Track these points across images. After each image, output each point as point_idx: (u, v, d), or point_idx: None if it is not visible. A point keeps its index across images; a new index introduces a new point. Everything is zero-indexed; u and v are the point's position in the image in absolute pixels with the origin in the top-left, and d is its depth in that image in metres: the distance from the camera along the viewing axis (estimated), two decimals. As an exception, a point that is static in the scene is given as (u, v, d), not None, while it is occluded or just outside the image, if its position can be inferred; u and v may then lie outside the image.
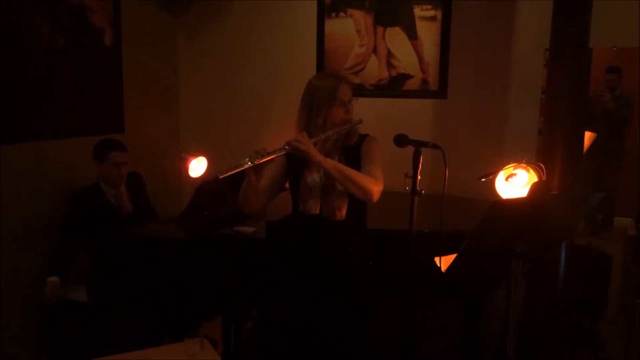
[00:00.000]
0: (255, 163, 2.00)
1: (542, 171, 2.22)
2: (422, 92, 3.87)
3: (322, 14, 4.04)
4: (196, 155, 4.16)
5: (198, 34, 4.39)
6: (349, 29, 3.98)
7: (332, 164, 2.06)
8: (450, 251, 2.06)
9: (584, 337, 3.16)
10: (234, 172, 1.98)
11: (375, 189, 2.06)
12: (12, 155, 3.04)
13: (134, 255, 2.74)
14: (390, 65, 3.92)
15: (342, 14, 3.99)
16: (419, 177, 1.96)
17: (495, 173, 2.45)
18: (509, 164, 3.61)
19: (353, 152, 2.19)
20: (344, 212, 2.17)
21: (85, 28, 3.55)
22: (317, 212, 2.18)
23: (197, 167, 4.14)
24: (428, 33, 3.81)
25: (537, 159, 2.69)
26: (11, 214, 3.04)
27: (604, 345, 3.14)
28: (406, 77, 3.89)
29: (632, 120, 4.21)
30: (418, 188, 1.96)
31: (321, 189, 2.18)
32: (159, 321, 2.78)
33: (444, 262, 1.89)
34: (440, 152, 1.86)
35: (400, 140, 1.99)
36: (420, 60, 3.86)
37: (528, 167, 2.38)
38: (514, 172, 2.37)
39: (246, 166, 1.99)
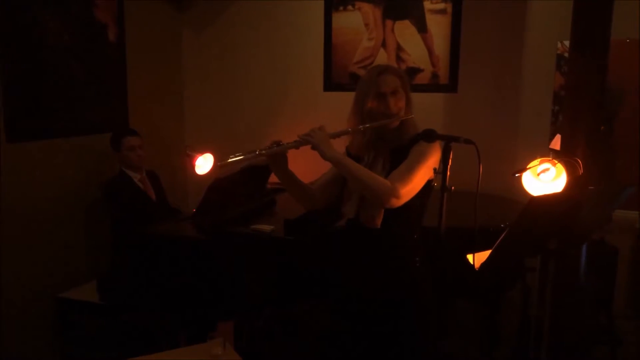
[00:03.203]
0: (259, 153, 1.88)
1: (579, 166, 2.18)
2: (433, 86, 3.84)
3: (330, 8, 3.98)
4: (202, 152, 4.10)
5: (204, 29, 4.32)
6: (358, 23, 3.93)
7: (343, 162, 1.89)
8: (477, 248, 2.02)
9: (602, 333, 3.14)
10: (233, 159, 1.87)
11: (392, 193, 1.83)
12: (18, 154, 2.97)
13: (153, 254, 2.68)
14: (399, 59, 3.88)
15: (350, 7, 3.94)
16: (449, 173, 1.89)
17: (524, 169, 2.41)
18: (520, 158, 3.59)
19: (402, 154, 1.94)
20: (379, 220, 1.95)
21: (90, 23, 3.48)
22: (352, 216, 2.01)
23: (204, 164, 4.08)
24: (438, 26, 3.77)
25: (555, 153, 2.65)
26: (17, 214, 2.97)
27: (622, 341, 3.12)
28: (416, 70, 3.85)
29: (621, 113, 4.18)
30: (448, 184, 1.90)
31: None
32: (175, 322, 2.72)
33: (477, 259, 1.84)
34: (474, 147, 1.80)
35: (429, 135, 1.90)
36: (430, 53, 3.81)
37: (559, 162, 2.34)
38: (546, 166, 2.33)
39: (245, 156, 1.87)
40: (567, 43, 3.49)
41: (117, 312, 3.07)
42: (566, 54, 3.53)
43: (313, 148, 1.89)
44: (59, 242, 3.26)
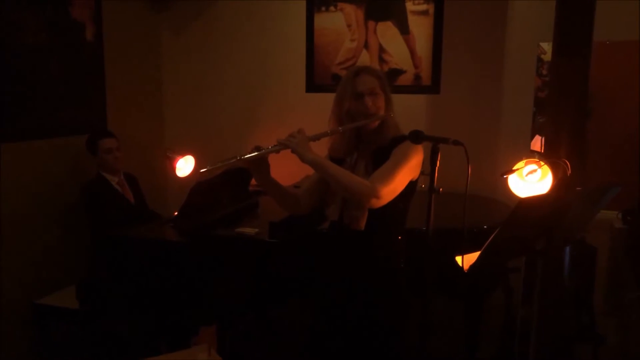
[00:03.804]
0: (240, 159, 1.86)
1: (568, 167, 2.19)
2: (415, 87, 3.84)
3: (312, 8, 3.96)
4: (183, 154, 4.03)
5: (183, 29, 4.26)
6: (340, 24, 3.91)
7: (322, 164, 1.88)
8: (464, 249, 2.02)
9: (584, 331, 3.16)
10: (213, 167, 1.86)
11: (372, 193, 1.82)
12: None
13: (133, 258, 2.63)
14: (382, 60, 3.87)
15: (332, 8, 3.92)
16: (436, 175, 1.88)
17: (512, 170, 2.41)
18: (503, 158, 3.61)
19: (385, 154, 1.93)
20: (363, 222, 1.94)
21: (66, 22, 3.40)
22: (336, 218, 2.01)
23: (185, 166, 4.02)
24: (420, 27, 3.77)
25: (541, 155, 2.67)
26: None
27: (604, 339, 3.15)
28: (399, 72, 3.85)
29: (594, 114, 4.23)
30: (435, 186, 1.89)
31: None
32: (157, 327, 2.67)
33: (466, 261, 1.83)
34: (461, 148, 1.78)
35: (417, 137, 1.88)
36: (413, 55, 3.81)
37: (545, 163, 2.35)
38: (533, 168, 2.34)
39: (226, 162, 1.85)
40: (544, 45, 3.54)
41: (97, 318, 3.00)
42: (543, 56, 3.56)
43: (292, 151, 1.87)
44: (36, 247, 3.18)
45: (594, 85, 2.57)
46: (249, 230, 2.57)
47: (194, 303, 2.55)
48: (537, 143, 3.58)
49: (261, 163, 1.95)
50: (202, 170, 1.88)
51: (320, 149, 1.96)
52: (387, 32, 3.83)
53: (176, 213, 2.91)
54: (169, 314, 2.58)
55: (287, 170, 2.76)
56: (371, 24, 3.85)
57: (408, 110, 3.83)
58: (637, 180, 3.30)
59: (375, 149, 1.99)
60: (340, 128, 1.94)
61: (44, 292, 3.20)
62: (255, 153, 1.89)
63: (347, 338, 2.02)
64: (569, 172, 2.19)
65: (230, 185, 3.03)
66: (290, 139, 1.87)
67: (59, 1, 3.34)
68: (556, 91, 2.52)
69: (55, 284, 3.26)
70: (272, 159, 1.98)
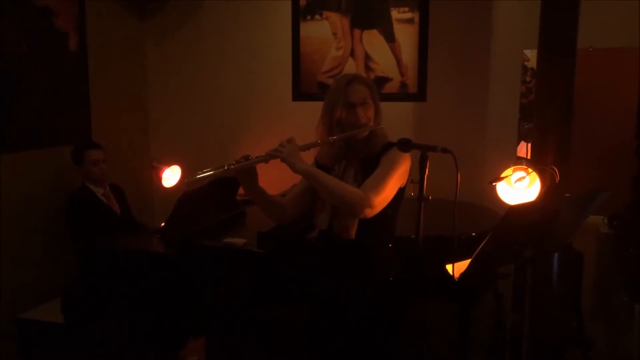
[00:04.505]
0: (228, 168, 1.85)
1: (556, 174, 2.20)
2: (401, 95, 3.84)
3: (297, 17, 3.95)
4: (169, 164, 4.00)
5: (168, 39, 4.23)
6: (325, 32, 3.91)
7: (314, 175, 1.87)
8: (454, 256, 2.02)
9: (573, 336, 3.17)
10: (201, 175, 1.84)
11: (366, 203, 1.81)
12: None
13: (119, 270, 2.59)
14: (368, 68, 3.87)
15: (317, 16, 3.92)
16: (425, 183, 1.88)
17: (500, 177, 2.42)
18: (490, 165, 3.63)
19: (373, 163, 1.93)
20: (353, 231, 1.92)
21: (50, 32, 3.37)
22: (325, 227, 1.99)
23: (171, 176, 3.99)
24: (406, 35, 3.79)
25: (528, 162, 2.68)
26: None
27: (593, 344, 3.16)
28: (385, 80, 3.85)
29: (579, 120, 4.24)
30: (424, 194, 1.89)
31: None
32: (144, 340, 2.63)
33: (456, 268, 1.83)
34: (449, 155, 1.78)
35: (405, 145, 1.88)
36: (399, 63, 3.82)
37: (533, 170, 2.35)
38: (521, 175, 2.35)
39: (214, 171, 1.83)
40: (528, 52, 3.58)
41: (82, 332, 2.95)
42: (527, 63, 3.60)
43: (283, 161, 1.86)
44: (19, 260, 3.13)
45: (579, 92, 2.59)
46: (237, 241, 2.55)
47: (181, 315, 2.51)
48: (522, 149, 3.60)
49: (249, 172, 1.93)
50: (187, 180, 1.86)
51: (306, 156, 1.95)
52: (373, 40, 3.84)
53: (163, 224, 2.88)
54: (157, 326, 2.54)
55: (275, 179, 2.74)
56: (357, 32, 3.86)
57: (395, 118, 3.85)
58: (622, 186, 3.33)
59: (364, 157, 1.99)
60: (331, 138, 1.93)
61: (28, 306, 3.13)
62: (244, 162, 1.87)
63: (339, 345, 2.01)
64: (557, 178, 2.20)
65: (218, 195, 3.00)
66: (281, 149, 1.86)
67: (43, 11, 3.30)
68: (541, 97, 2.54)
69: (39, 298, 3.20)
70: (260, 168, 1.96)
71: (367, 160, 1.97)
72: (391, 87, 3.85)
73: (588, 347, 3.12)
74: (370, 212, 1.86)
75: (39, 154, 3.29)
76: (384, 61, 3.84)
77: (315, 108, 2.07)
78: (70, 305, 2.99)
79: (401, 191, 1.99)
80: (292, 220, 2.10)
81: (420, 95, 3.81)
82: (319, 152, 2.08)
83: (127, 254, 2.62)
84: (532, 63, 3.39)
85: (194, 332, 2.73)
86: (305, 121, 2.27)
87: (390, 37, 3.81)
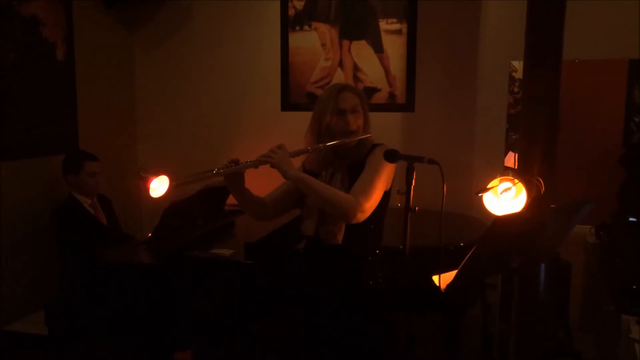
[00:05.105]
0: (217, 172, 1.87)
1: (541, 185, 2.21)
2: (390, 106, 3.86)
3: (286, 28, 3.97)
4: (157, 174, 3.98)
5: (156, 48, 4.23)
6: (314, 43, 3.93)
7: (306, 181, 1.89)
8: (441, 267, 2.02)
9: (560, 347, 3.18)
10: (190, 179, 1.87)
11: (357, 208, 1.84)
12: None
13: (105, 282, 2.56)
14: (357, 78, 3.89)
15: (306, 27, 3.94)
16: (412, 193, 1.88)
17: (487, 188, 2.43)
18: (477, 175, 3.64)
19: (360, 169, 1.96)
20: (340, 236, 1.94)
21: (37, 42, 3.35)
22: (312, 233, 2.00)
23: (159, 186, 3.96)
24: (394, 46, 3.81)
25: (515, 172, 2.69)
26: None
27: (580, 355, 3.17)
28: (373, 90, 3.87)
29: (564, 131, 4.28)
30: (411, 204, 1.89)
31: (320, 209, 1.98)
32: (130, 353, 2.60)
33: (443, 280, 1.82)
34: (437, 166, 1.79)
35: (393, 156, 1.89)
36: (387, 73, 3.84)
37: (519, 181, 2.36)
38: (507, 185, 2.35)
39: (203, 175, 1.86)
40: (515, 63, 3.61)
41: (67, 345, 2.91)
42: (514, 74, 3.63)
43: (273, 166, 1.88)
44: (3, 271, 3.08)
45: (565, 103, 2.63)
46: (224, 252, 2.53)
47: (168, 327, 2.48)
48: (510, 159, 3.62)
49: (236, 177, 1.97)
50: (176, 184, 1.88)
51: (294, 161, 1.97)
52: (361, 51, 3.86)
53: (150, 235, 2.85)
54: (143, 338, 2.51)
55: (262, 185, 2.74)
56: (345, 43, 3.88)
57: (383, 128, 3.84)
58: (608, 196, 3.36)
59: (350, 163, 2.01)
60: (322, 145, 1.96)
61: (12, 318, 3.09)
62: (234, 167, 1.90)
63: (328, 356, 2.01)
64: (543, 189, 2.21)
65: (205, 205, 2.99)
66: (272, 155, 1.89)
67: (30, 21, 3.29)
68: (527, 108, 2.56)
69: (23, 310, 3.16)
70: (248, 173, 1.99)
71: (354, 166, 1.99)
72: (379, 98, 3.86)
73: (575, 357, 3.13)
74: (362, 217, 1.88)
75: (26, 163, 3.25)
76: (372, 72, 3.86)
77: (304, 118, 2.10)
78: (54, 317, 2.95)
79: (387, 195, 2.01)
80: (273, 219, 2.14)
81: (408, 106, 3.83)
82: (307, 157, 2.12)
83: (112, 265, 2.59)
84: (520, 74, 3.42)
85: (181, 345, 2.70)
86: (294, 131, 2.28)
87: (378, 48, 3.83)
